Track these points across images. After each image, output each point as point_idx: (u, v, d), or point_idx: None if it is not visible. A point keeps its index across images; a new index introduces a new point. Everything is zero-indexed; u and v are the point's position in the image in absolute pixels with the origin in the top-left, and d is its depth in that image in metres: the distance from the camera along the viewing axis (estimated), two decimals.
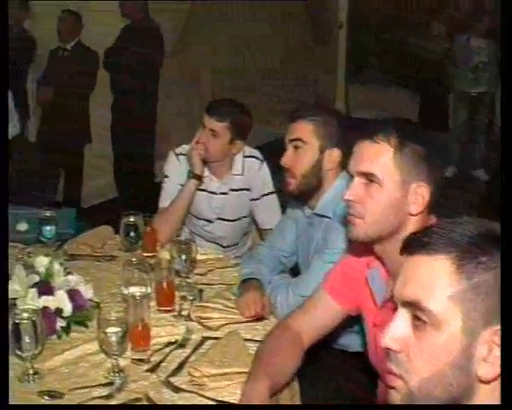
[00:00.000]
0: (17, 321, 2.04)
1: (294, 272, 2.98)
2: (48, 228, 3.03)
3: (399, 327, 1.27)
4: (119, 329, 2.08)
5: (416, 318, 1.25)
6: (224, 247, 3.51)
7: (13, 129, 3.66)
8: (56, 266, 2.48)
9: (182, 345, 2.32)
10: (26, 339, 2.04)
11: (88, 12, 6.33)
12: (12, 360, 2.16)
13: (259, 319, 2.48)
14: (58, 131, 6.10)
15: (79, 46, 6.31)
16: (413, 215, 1.93)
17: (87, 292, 2.47)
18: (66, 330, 2.35)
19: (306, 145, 2.62)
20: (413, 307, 1.25)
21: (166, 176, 3.43)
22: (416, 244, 1.28)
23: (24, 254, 3.06)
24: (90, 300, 2.48)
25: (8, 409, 1.78)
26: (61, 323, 2.34)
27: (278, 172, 2.91)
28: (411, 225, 1.91)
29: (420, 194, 1.90)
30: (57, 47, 6.33)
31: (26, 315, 2.06)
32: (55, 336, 2.32)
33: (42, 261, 2.50)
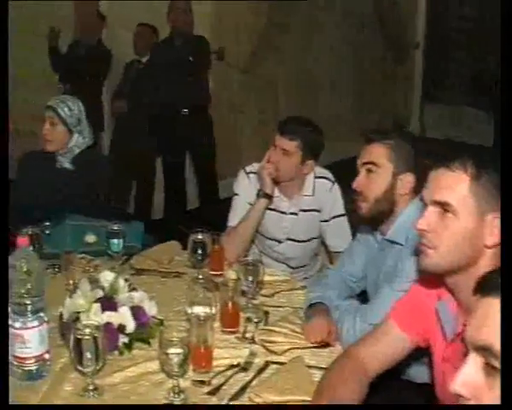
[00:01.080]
0: (79, 337, 2.01)
1: (363, 297, 2.90)
2: (115, 241, 3.03)
3: (470, 374, 1.19)
4: (180, 350, 2.03)
5: (488, 364, 1.17)
6: (292, 268, 3.46)
7: (83, 140, 3.66)
8: (121, 282, 2.46)
9: (244, 369, 2.26)
10: (88, 355, 2.02)
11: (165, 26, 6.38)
12: (72, 374, 2.15)
13: (325, 345, 2.41)
14: (131, 143, 6.16)
15: None
16: (488, 248, 1.83)
17: (151, 309, 2.44)
18: (129, 346, 2.33)
19: (380, 169, 2.54)
20: (486, 352, 1.17)
21: (236, 194, 3.40)
22: (491, 285, 1.21)
23: (91, 266, 3.08)
24: (154, 317, 2.45)
25: (8, 409, 1.74)
26: (123, 339, 2.32)
27: (348, 192, 2.85)
28: (487, 259, 1.82)
29: (496, 225, 1.80)
30: (132, 60, 6.39)
31: (87, 331, 2.04)
32: (116, 353, 2.30)
33: (107, 276, 2.48)
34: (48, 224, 3.30)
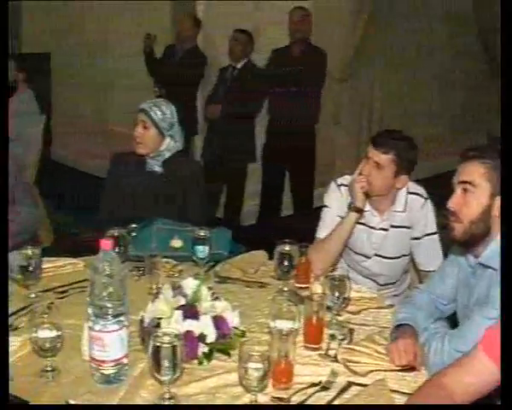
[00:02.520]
0: (158, 344, 1.98)
1: (452, 320, 2.77)
2: (201, 248, 3.00)
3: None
4: (260, 365, 1.97)
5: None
6: (380, 285, 3.36)
7: (175, 145, 3.65)
8: (204, 291, 2.42)
9: (325, 388, 2.18)
10: (166, 363, 1.97)
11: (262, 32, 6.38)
12: (149, 381, 2.12)
13: (410, 369, 2.30)
14: (223, 149, 6.17)
15: (249, 66, 6.34)
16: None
17: (233, 320, 2.39)
18: (208, 357, 2.28)
19: (476, 189, 2.41)
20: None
21: (326, 206, 3.33)
22: None
23: (175, 271, 3.07)
24: (236, 328, 2.40)
25: (8, 409, 1.70)
26: (203, 349, 2.28)
27: (439, 209, 2.76)
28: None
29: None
30: (228, 65, 6.39)
31: (167, 339, 2.00)
32: (195, 362, 2.26)
33: (190, 284, 2.45)
34: (135, 226, 3.32)
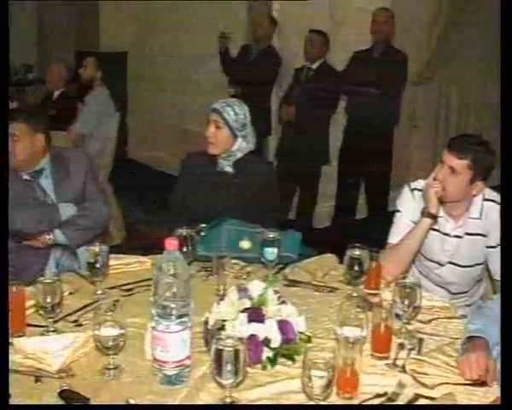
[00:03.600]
0: (220, 348, 1.94)
1: None
2: (270, 250, 2.95)
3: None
4: (324, 373, 1.92)
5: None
6: (452, 293, 3.25)
7: (247, 145, 3.61)
8: (270, 294, 2.37)
9: (391, 399, 2.11)
10: (228, 367, 1.94)
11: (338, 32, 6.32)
12: (211, 384, 2.09)
13: (481, 383, 2.20)
14: (297, 150, 6.12)
15: (325, 67, 6.27)
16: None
17: (299, 325, 2.33)
18: (272, 361, 2.24)
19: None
20: None
21: (399, 210, 3.24)
22: None
23: (243, 272, 3.04)
24: (302, 333, 2.34)
25: (8, 409, 1.67)
26: (267, 353, 2.23)
27: None
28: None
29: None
30: (303, 66, 6.34)
31: (230, 342, 1.96)
32: (258, 366, 2.22)
33: (256, 286, 2.41)
34: (204, 226, 3.30)
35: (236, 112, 3.59)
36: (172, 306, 2.07)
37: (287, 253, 3.12)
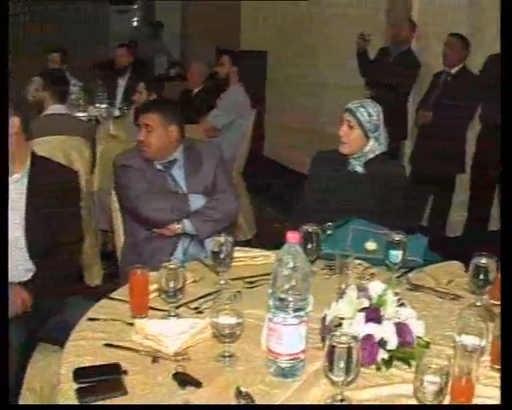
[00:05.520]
0: (334, 344, 1.94)
1: None
2: (395, 253, 2.91)
3: None
4: (438, 379, 1.88)
5: None
6: None
7: (378, 147, 3.59)
8: (390, 296, 2.34)
9: None
10: (340, 364, 1.93)
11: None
12: (323, 380, 2.09)
13: None
14: (432, 156, 6.00)
15: (464, 72, 6.11)
16: None
17: (417, 329, 2.29)
18: (387, 364, 2.20)
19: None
20: None
21: None
22: None
23: (366, 273, 3.02)
24: (420, 338, 2.30)
25: (8, 409, 1.68)
26: (382, 355, 2.20)
27: None
28: None
29: None
30: (442, 70, 6.20)
31: (344, 339, 1.95)
32: (373, 367, 2.19)
33: (376, 287, 2.38)
34: (330, 224, 3.29)
35: (370, 113, 3.57)
36: (290, 299, 2.08)
37: (412, 257, 3.06)
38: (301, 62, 8.46)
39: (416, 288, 2.93)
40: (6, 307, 2.28)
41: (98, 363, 2.19)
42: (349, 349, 1.93)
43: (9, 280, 3.01)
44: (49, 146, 4.45)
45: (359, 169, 3.64)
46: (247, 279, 2.93)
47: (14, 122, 3.06)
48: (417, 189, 6.15)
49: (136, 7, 11.60)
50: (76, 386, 2.05)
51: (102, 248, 5.41)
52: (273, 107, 9.20)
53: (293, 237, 2.13)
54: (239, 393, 2.00)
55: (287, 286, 2.08)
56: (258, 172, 7.27)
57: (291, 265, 2.09)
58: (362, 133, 3.57)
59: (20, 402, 2.78)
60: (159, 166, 3.69)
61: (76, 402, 1.99)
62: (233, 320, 2.20)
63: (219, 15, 9.97)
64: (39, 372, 2.85)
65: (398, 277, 2.97)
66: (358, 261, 3.05)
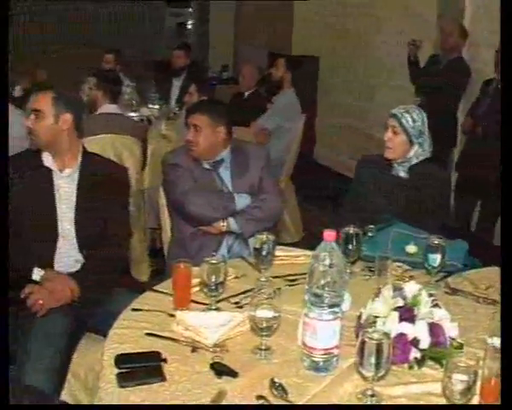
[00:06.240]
0: (365, 339, 2.00)
1: None
2: (433, 256, 2.96)
3: None
4: (465, 377, 1.92)
5: None
6: None
7: (422, 152, 3.64)
8: (424, 296, 2.38)
9: None
10: (371, 359, 1.99)
11: None
12: (356, 375, 2.15)
13: None
14: (480, 163, 5.96)
15: None
16: None
17: (451, 330, 2.33)
18: (420, 363, 2.25)
19: None
20: None
21: None
22: None
23: (406, 276, 3.05)
24: (453, 339, 2.34)
25: (8, 409, 1.74)
26: (415, 354, 2.25)
27: None
28: None
29: None
30: (492, 78, 6.16)
31: (375, 335, 2.01)
32: (405, 366, 2.24)
33: (412, 287, 2.43)
34: (372, 227, 3.34)
35: (414, 119, 3.61)
36: (325, 295, 2.14)
37: (452, 261, 3.10)
38: (353, 68, 8.49)
39: (453, 292, 2.96)
40: (6, 307, 2.38)
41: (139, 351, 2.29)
42: (380, 345, 1.98)
43: (59, 270, 3.15)
44: (101, 144, 4.58)
45: (403, 174, 3.68)
46: (288, 277, 2.99)
47: (67, 119, 3.20)
48: (463, 195, 6.17)
49: (191, 10, 11.74)
50: (117, 371, 2.15)
51: (151, 245, 5.52)
52: (324, 111, 9.24)
53: (329, 235, 2.19)
54: (273, 384, 2.07)
55: (322, 282, 2.14)
56: (307, 176, 7.33)
57: (327, 262, 2.15)
58: (406, 139, 3.61)
59: (65, 387, 2.89)
60: (206, 166, 3.78)
61: (116, 387, 2.08)
62: (270, 314, 2.27)
63: (272, 17, 10.05)
64: (84, 360, 2.95)
65: (437, 280, 3.01)
66: (398, 264, 3.09)
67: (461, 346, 2.34)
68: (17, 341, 2.91)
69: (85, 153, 3.35)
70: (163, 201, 3.95)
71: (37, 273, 3.10)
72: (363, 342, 2.00)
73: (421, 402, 2.08)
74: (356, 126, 8.57)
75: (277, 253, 3.01)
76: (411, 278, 3.02)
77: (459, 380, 1.93)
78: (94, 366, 2.66)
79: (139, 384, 2.08)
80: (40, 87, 3.36)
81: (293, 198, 6.49)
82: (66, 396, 2.85)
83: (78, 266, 3.23)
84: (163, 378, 2.10)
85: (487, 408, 1.09)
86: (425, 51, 6.78)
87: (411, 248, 3.24)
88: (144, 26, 11.47)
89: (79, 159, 3.30)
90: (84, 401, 2.92)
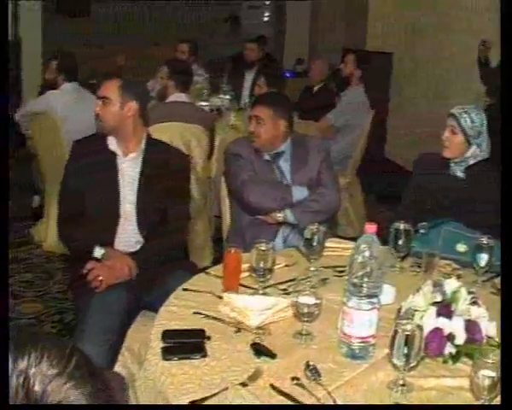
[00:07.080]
0: (398, 330, 2.08)
1: None
2: (481, 256, 3.00)
3: None
4: (493, 374, 1.97)
5: None
6: None
7: (480, 153, 3.65)
8: (463, 293, 2.44)
9: None
10: (402, 350, 2.06)
11: None
12: (389, 365, 2.22)
13: None
14: None
15: None
16: None
17: (488, 328, 2.38)
18: (455, 358, 2.31)
19: None
20: None
21: None
22: None
23: (453, 274, 3.08)
24: (491, 337, 2.39)
25: (8, 409, 1.85)
26: (450, 349, 2.31)
27: None
28: None
29: None
30: None
31: (408, 327, 2.09)
32: (440, 359, 2.31)
33: (451, 284, 2.48)
34: (424, 224, 3.39)
35: (473, 119, 3.63)
36: (363, 285, 2.23)
37: (499, 262, 3.12)
38: (427, 65, 8.45)
39: (499, 292, 2.99)
40: (6, 307, 2.53)
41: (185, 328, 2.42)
42: (411, 336, 2.06)
43: (119, 249, 3.31)
44: (169, 132, 4.72)
45: (459, 174, 3.70)
46: (338, 268, 3.07)
47: (132, 106, 3.36)
48: None
49: (267, 3, 11.85)
50: (162, 345, 2.29)
51: (215, 233, 5.65)
52: (396, 108, 9.21)
53: (370, 227, 2.29)
54: (307, 366, 2.17)
55: (361, 272, 2.23)
56: (376, 173, 7.35)
57: (367, 253, 2.25)
58: (464, 139, 3.63)
59: (119, 360, 3.04)
60: (266, 157, 3.89)
61: (160, 359, 2.22)
62: (312, 301, 2.37)
63: (347, 10, 10.06)
64: (139, 335, 3.09)
65: (484, 280, 3.04)
66: (447, 262, 3.13)
67: (498, 345, 2.35)
68: (77, 314, 3.08)
69: (149, 139, 3.50)
70: (224, 190, 4.08)
71: (98, 251, 3.26)
72: (395, 333, 2.08)
73: (451, 396, 2.14)
74: (429, 125, 8.52)
75: (328, 244, 3.10)
76: (459, 276, 3.06)
77: (486, 376, 1.98)
78: (148, 341, 2.81)
79: (182, 358, 2.21)
80: (108, 76, 3.52)
81: (358, 194, 6.54)
82: (119, 368, 2.99)
83: (137, 247, 3.39)
84: (205, 354, 2.23)
85: (487, 408, 1.12)
86: (497, 52, 6.71)
87: (461, 247, 3.28)
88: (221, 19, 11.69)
89: (143, 145, 3.45)
90: (137, 373, 3.06)
